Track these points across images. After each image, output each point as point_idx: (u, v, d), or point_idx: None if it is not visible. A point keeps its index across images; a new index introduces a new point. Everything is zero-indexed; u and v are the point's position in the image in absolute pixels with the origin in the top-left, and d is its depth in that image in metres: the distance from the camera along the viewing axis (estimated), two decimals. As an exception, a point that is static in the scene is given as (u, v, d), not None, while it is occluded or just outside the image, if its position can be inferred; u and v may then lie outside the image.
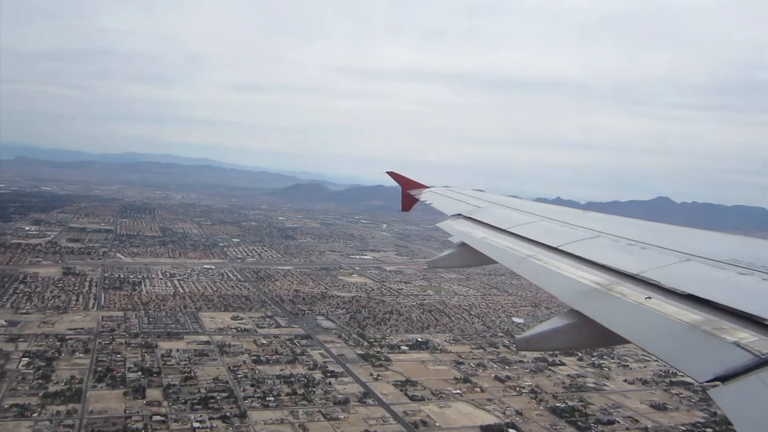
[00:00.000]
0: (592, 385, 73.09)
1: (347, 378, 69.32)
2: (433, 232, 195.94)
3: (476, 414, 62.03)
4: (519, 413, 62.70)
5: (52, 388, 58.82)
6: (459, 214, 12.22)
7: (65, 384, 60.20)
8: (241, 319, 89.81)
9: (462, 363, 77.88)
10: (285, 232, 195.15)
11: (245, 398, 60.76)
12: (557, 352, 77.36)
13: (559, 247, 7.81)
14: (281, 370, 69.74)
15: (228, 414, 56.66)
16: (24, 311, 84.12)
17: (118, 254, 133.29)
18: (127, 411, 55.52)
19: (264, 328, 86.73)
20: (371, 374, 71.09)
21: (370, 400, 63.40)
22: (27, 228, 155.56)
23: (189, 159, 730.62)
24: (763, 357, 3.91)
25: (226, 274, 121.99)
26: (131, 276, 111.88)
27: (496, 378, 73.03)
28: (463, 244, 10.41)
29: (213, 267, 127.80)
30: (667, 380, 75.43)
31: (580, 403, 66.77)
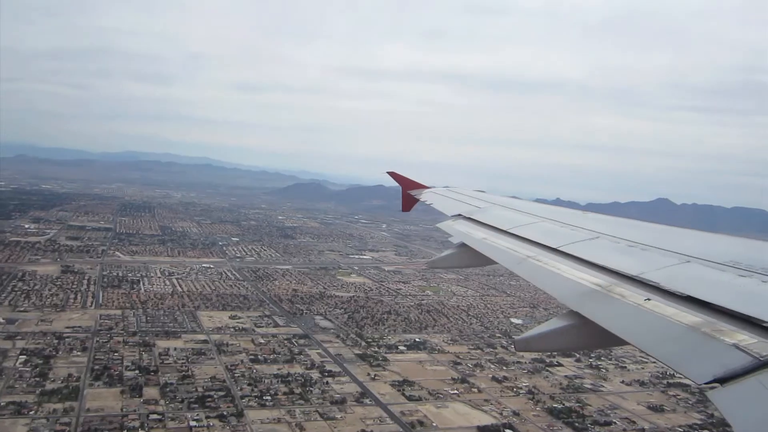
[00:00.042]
0: (590, 386, 73.15)
1: (344, 378, 69.32)
2: (433, 233, 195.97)
3: (473, 414, 62.05)
4: (516, 414, 62.73)
5: (49, 386, 58.74)
6: (459, 215, 12.24)
7: (62, 382, 60.11)
8: (240, 318, 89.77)
9: (459, 363, 77.90)
10: (284, 231, 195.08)
11: (242, 397, 60.72)
12: (555, 353, 77.47)
13: (559, 248, 7.82)
14: (279, 369, 69.72)
15: (225, 413, 56.62)
16: (22, 309, 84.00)
17: (117, 253, 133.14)
18: (124, 409, 55.47)
19: (262, 327, 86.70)
20: (369, 374, 71.09)
21: (367, 400, 63.39)
22: (26, 226, 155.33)
23: (189, 158, 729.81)
24: (762, 359, 3.92)
25: (225, 273, 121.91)
26: (130, 274, 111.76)
27: (494, 378, 73.05)
28: (463, 245, 10.42)
29: (212, 266, 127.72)
30: (665, 382, 75.52)
31: (577, 404, 66.82)
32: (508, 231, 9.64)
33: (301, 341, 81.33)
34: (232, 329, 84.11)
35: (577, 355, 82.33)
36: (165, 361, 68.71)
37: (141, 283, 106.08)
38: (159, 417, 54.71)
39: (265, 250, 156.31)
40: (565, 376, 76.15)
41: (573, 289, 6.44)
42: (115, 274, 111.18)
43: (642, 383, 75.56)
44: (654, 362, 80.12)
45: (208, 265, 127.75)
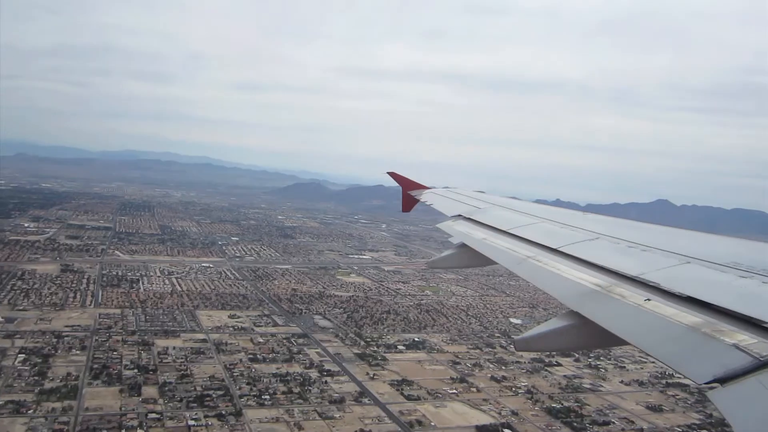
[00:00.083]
0: (588, 386, 73.19)
1: (343, 377, 69.32)
2: (432, 233, 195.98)
3: (472, 414, 62.07)
4: (515, 413, 62.76)
5: (47, 385, 58.69)
6: (459, 215, 12.24)
7: (61, 381, 60.07)
8: (239, 317, 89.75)
9: (458, 363, 77.92)
10: (284, 231, 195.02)
11: (241, 396, 60.70)
12: (554, 353, 77.51)
13: (559, 249, 7.83)
14: (277, 368, 69.70)
15: (223, 412, 56.59)
16: (21, 308, 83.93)
17: (116, 252, 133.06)
18: (123, 408, 55.42)
19: (261, 326, 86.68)
20: (367, 373, 71.09)
21: (365, 400, 63.40)
22: (26, 225, 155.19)
23: (189, 157, 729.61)
24: (762, 359, 3.93)
25: (225, 272, 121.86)
26: (129, 273, 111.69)
27: (493, 378, 73.08)
28: (463, 245, 10.42)
29: (211, 265, 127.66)
30: (664, 382, 75.60)
31: (576, 404, 66.86)
32: (508, 231, 9.65)
33: (300, 340, 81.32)
34: (231, 328, 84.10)
35: (576, 355, 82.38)
36: (164, 360, 68.68)
37: (140, 282, 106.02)
38: (157, 416, 54.67)
39: (264, 249, 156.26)
40: (564, 375, 76.20)
41: (573, 290, 6.45)
42: (114, 273, 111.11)
43: (641, 383, 75.62)
44: (653, 362, 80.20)
45: (207, 265, 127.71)
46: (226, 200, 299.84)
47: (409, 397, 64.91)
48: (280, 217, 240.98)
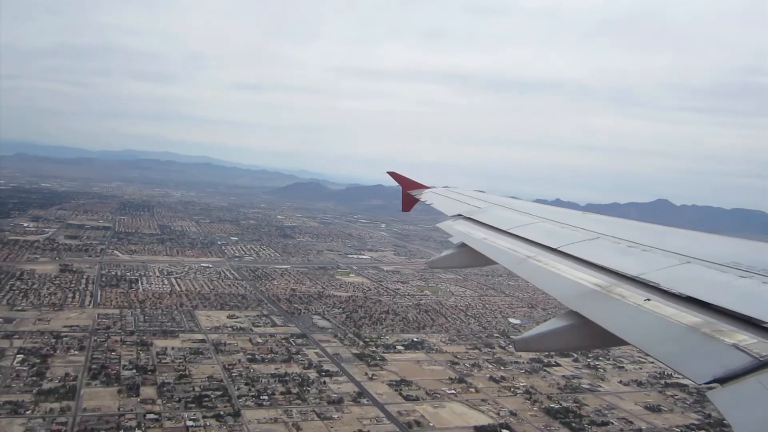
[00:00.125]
0: (587, 387, 73.22)
1: (342, 377, 69.29)
2: (432, 233, 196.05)
3: (470, 414, 62.07)
4: (513, 414, 62.77)
5: (46, 386, 58.59)
6: (459, 215, 12.24)
7: (59, 381, 59.97)
8: (238, 317, 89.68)
9: (457, 363, 77.92)
10: (283, 230, 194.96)
11: (239, 397, 60.64)
12: (553, 353, 77.54)
13: (559, 249, 7.82)
14: (276, 368, 69.65)
15: (222, 412, 56.54)
16: (20, 308, 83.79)
17: (115, 252, 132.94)
18: (121, 409, 55.34)
19: (260, 326, 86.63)
20: (366, 374, 71.07)
21: (364, 400, 63.37)
22: (25, 225, 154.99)
23: (188, 157, 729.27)
24: (762, 359, 3.92)
25: (224, 272, 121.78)
26: (128, 273, 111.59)
27: (491, 378, 73.08)
28: (463, 245, 10.42)
29: (210, 265, 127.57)
30: (662, 382, 75.65)
31: (575, 404, 66.88)
32: (508, 231, 9.64)
33: (299, 341, 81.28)
34: (230, 329, 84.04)
35: (575, 355, 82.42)
36: (162, 361, 68.61)
37: (139, 282, 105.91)
38: (156, 416, 54.59)
39: (264, 249, 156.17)
40: (563, 376, 76.22)
41: (573, 290, 6.44)
42: (113, 273, 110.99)
43: (639, 383, 75.67)
44: (652, 362, 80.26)
45: (206, 265, 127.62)
46: (226, 200, 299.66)
47: (407, 398, 64.89)
48: (279, 216, 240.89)
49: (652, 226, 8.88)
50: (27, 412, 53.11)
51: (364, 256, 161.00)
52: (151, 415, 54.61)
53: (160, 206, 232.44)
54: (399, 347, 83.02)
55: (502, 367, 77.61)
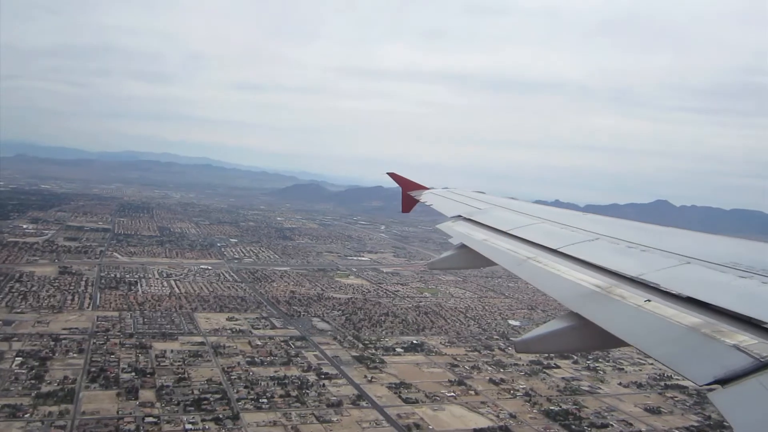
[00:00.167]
0: (587, 389, 73.14)
1: (341, 380, 69.18)
2: (431, 234, 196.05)
3: (469, 417, 61.97)
4: (513, 416, 62.67)
5: (44, 389, 58.44)
6: (459, 216, 12.23)
7: (58, 384, 59.83)
8: (237, 320, 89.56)
9: (457, 365, 77.82)
10: (283, 232, 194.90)
11: (238, 400, 60.52)
12: (552, 355, 77.46)
13: (559, 250, 7.81)
14: (275, 371, 69.52)
15: (221, 415, 56.42)
16: (19, 310, 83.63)
17: (115, 254, 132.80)
18: (120, 412, 55.20)
19: (259, 329, 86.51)
20: (365, 376, 70.98)
21: (363, 403, 63.27)
22: (25, 226, 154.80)
23: (188, 158, 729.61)
24: (762, 360, 3.91)
25: (223, 274, 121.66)
26: (128, 276, 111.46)
27: (491, 381, 72.98)
28: (462, 246, 10.41)
29: (210, 267, 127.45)
30: (662, 383, 75.59)
31: (574, 407, 66.80)
32: (508, 232, 9.63)
33: (298, 343, 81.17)
34: (229, 331, 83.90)
35: (575, 357, 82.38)
36: (161, 364, 68.47)
37: (138, 284, 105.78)
38: (154, 420, 54.43)
39: (263, 251, 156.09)
40: (563, 378, 76.15)
41: (573, 291, 6.42)
42: (112, 275, 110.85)
43: (639, 385, 75.60)
44: (651, 364, 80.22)
45: (206, 267, 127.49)
46: (225, 201, 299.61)
47: (407, 400, 64.79)
48: (279, 218, 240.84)
49: (651, 226, 8.87)
50: (25, 416, 52.96)
51: (363, 258, 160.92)
52: (150, 419, 54.45)
53: (160, 208, 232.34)
54: (398, 349, 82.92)
55: (502, 370, 77.52)
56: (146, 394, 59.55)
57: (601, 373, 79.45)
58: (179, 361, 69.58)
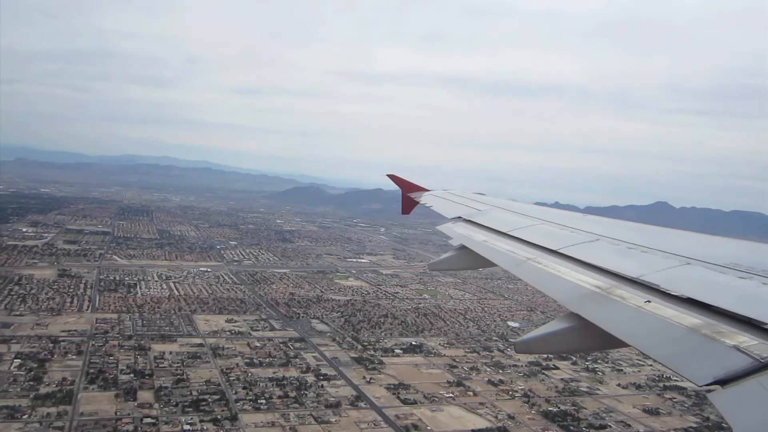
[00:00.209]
0: (586, 390, 73.10)
1: (340, 381, 69.10)
2: (431, 236, 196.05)
3: (468, 418, 61.92)
4: (511, 417, 62.63)
5: (43, 390, 58.35)
6: (459, 217, 12.23)
7: (56, 386, 59.73)
8: (236, 321, 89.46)
9: (455, 367, 77.77)
10: (282, 235, 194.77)
11: (237, 401, 60.45)
12: (551, 356, 77.44)
13: (559, 250, 7.81)
14: (274, 372, 69.46)
15: (219, 416, 56.36)
16: (18, 313, 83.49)
17: (114, 256, 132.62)
18: (118, 413, 55.12)
19: (258, 330, 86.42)
20: (364, 377, 70.91)
21: (362, 404, 63.20)
22: (24, 230, 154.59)
23: (188, 161, 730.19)
24: (762, 361, 3.91)
25: (222, 276, 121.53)
26: (127, 278, 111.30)
27: (490, 382, 72.93)
28: (463, 247, 10.41)
29: (209, 270, 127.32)
30: (661, 385, 75.58)
31: (573, 408, 66.76)
32: (508, 233, 9.63)
33: (297, 345, 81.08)
34: (228, 333, 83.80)
35: (574, 358, 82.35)
36: (160, 365, 68.37)
37: (138, 286, 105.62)
38: (153, 421, 54.37)
39: (262, 253, 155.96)
40: (561, 379, 76.11)
41: (573, 291, 6.42)
42: (112, 277, 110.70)
43: (638, 386, 75.57)
44: (650, 365, 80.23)
45: (205, 269, 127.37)
46: (225, 204, 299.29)
47: (405, 401, 64.73)
48: (278, 221, 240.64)
49: (651, 227, 8.87)
50: (24, 417, 52.87)
51: (363, 260, 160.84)
52: (148, 420, 54.38)
53: (159, 211, 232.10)
54: (397, 351, 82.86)
55: (501, 371, 77.48)
56: (145, 395, 59.46)
57: (600, 374, 79.44)
58: (178, 363, 69.48)
